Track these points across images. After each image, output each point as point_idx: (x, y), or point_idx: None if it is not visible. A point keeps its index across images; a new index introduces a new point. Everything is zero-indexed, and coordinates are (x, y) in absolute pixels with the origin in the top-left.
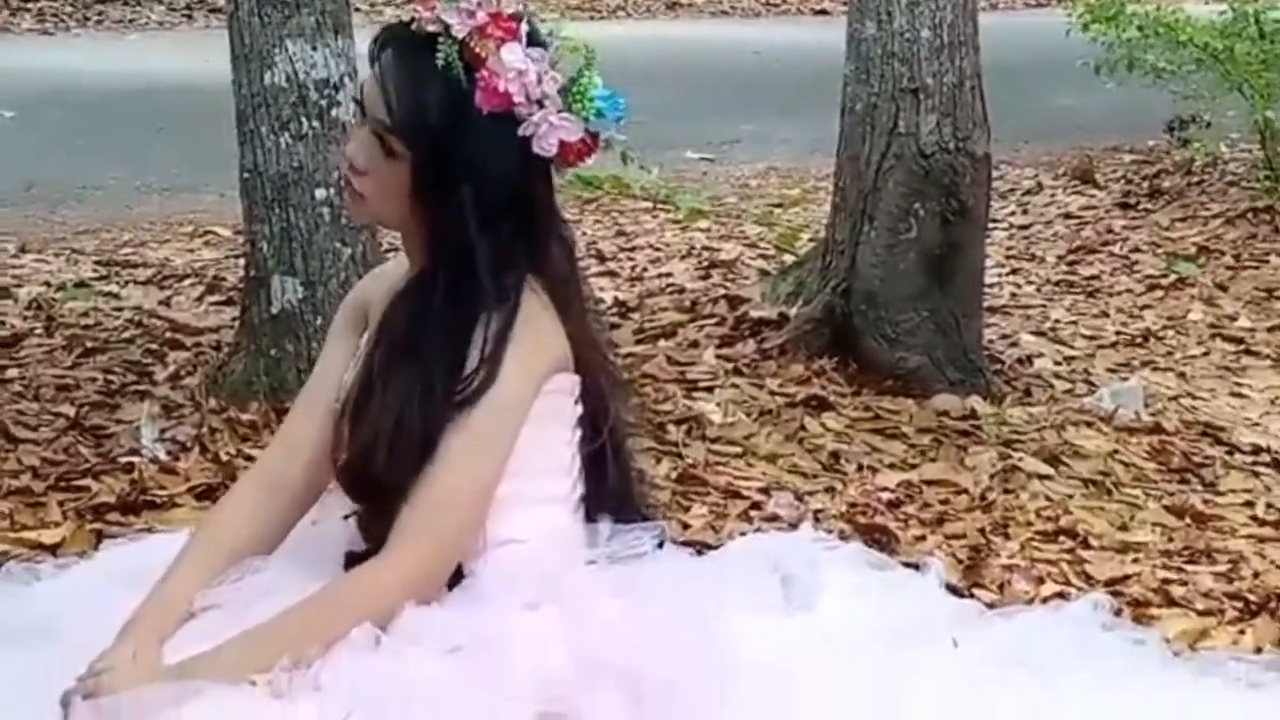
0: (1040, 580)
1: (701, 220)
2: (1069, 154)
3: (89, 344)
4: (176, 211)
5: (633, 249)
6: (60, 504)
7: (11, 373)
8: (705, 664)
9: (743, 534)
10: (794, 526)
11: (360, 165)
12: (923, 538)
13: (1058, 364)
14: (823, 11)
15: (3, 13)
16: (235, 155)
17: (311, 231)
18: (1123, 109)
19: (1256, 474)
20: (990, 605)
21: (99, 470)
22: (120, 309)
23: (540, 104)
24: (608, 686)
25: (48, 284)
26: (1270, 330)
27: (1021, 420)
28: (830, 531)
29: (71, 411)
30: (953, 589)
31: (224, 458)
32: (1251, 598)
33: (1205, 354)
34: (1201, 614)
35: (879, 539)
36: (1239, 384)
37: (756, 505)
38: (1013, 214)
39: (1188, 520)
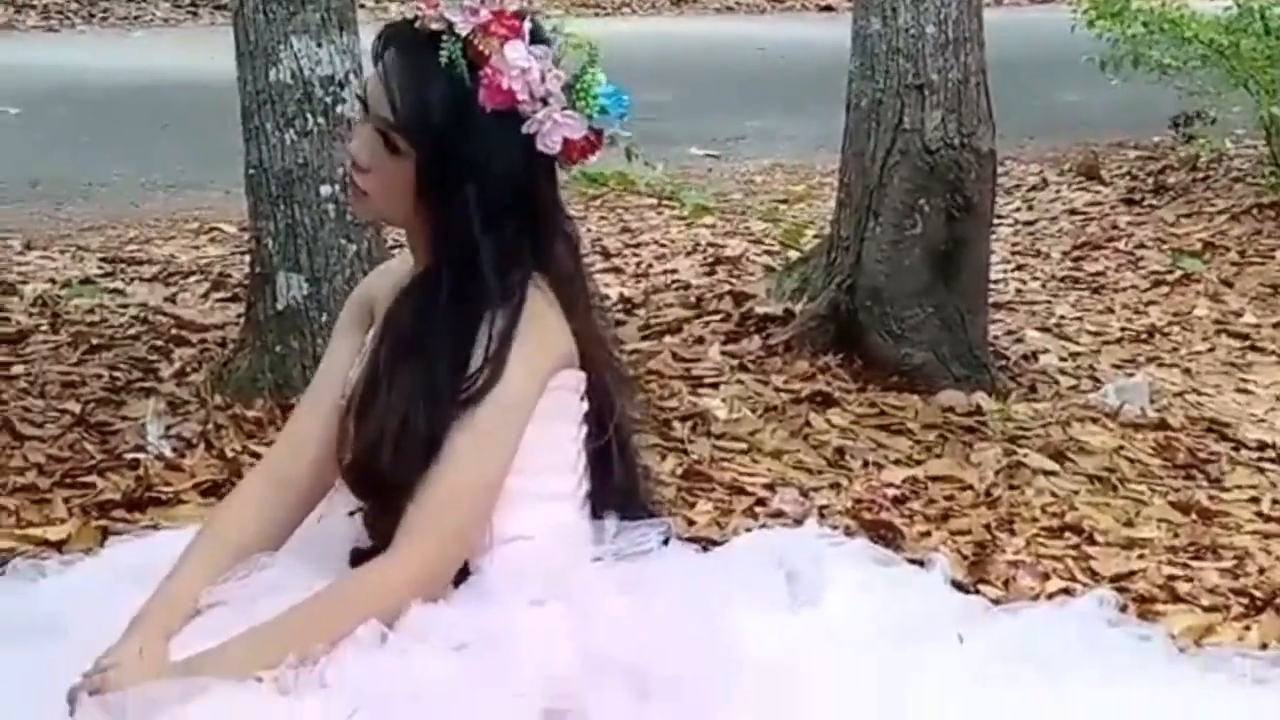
0: (1045, 576)
1: (706, 216)
2: (1074, 150)
3: (94, 341)
4: (182, 208)
5: (638, 245)
6: (66, 501)
7: (17, 369)
8: (711, 660)
9: (748, 530)
10: (799, 523)
11: (364, 163)
12: (928, 534)
13: (1063, 360)
14: (828, 7)
15: (8, 9)
16: (240, 152)
17: (317, 228)
18: (1128, 105)
19: (1262, 470)
20: (995, 601)
21: (104, 467)
22: (126, 306)
23: (544, 101)
24: (613, 683)
25: (53, 281)
26: (1276, 326)
27: (1027, 416)
28: (835, 527)
29: (77, 408)
30: (958, 585)
31: (229, 454)
32: (1257, 594)
33: (1210, 350)
34: (1207, 610)
35: (884, 535)
36: (1244, 380)
37: (762, 501)
38: (1018, 210)
39: (1193, 516)
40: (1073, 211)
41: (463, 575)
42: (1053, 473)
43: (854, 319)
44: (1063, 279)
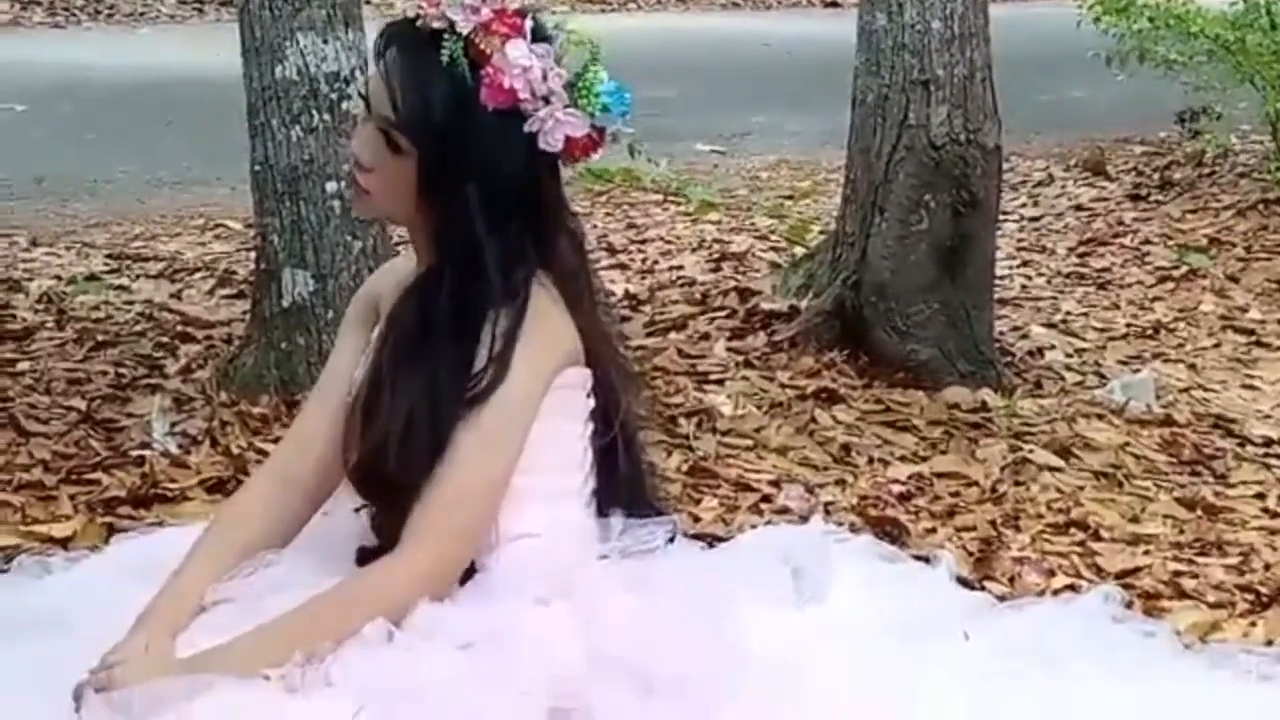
0: (1051, 573)
1: (712, 213)
2: (1080, 146)
3: (100, 337)
4: (187, 205)
5: (643, 242)
6: (71, 497)
7: (23, 366)
8: (716, 657)
9: (753, 527)
10: (805, 519)
11: (366, 162)
12: (933, 530)
13: (1068, 356)
14: (834, 4)
15: (14, 6)
16: (246, 148)
17: (322, 224)
18: (1134, 101)
19: (1268, 466)
20: (1001, 598)
21: (110, 464)
22: (131, 302)
23: (546, 100)
24: (618, 681)
25: (59, 277)
26: None
27: (1032, 412)
28: (841, 524)
29: (82, 405)
30: (963, 581)
31: (235, 451)
32: (1263, 590)
33: (1216, 346)
34: (1212, 606)
35: (890, 531)
36: (1250, 376)
37: (767, 498)
38: (1023, 206)
39: (1199, 512)
40: (1078, 207)
41: (469, 573)
42: (1058, 469)
43: (859, 315)
44: (1068, 275)
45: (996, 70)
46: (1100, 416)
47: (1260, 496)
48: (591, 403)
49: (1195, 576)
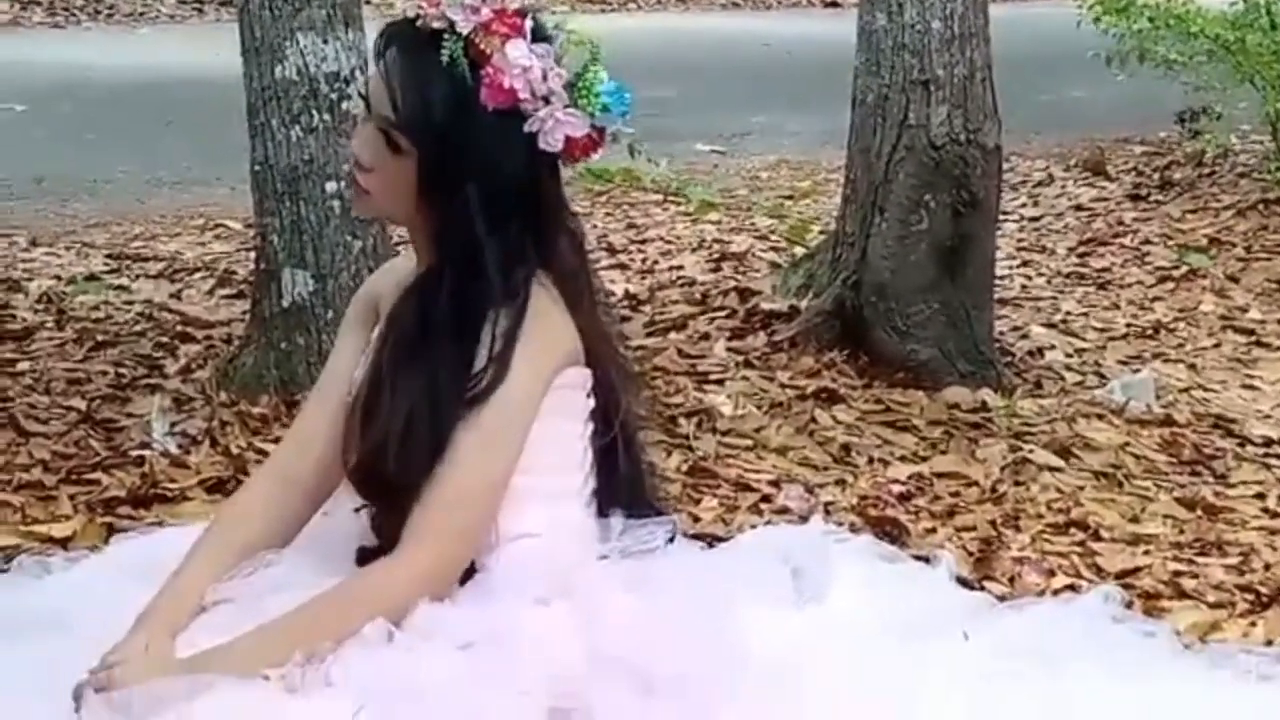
0: (1051, 572)
1: (712, 213)
2: (1080, 146)
3: (100, 337)
4: (187, 205)
5: (643, 241)
6: (71, 497)
7: (22, 366)
8: (715, 657)
9: (753, 527)
10: (804, 519)
11: (366, 162)
12: (933, 530)
13: (1068, 356)
14: (833, 4)
15: (14, 6)
16: (246, 148)
17: (322, 224)
18: (1134, 101)
19: (1268, 466)
20: (1001, 598)
21: (110, 464)
22: (131, 302)
23: (546, 100)
24: (618, 681)
25: (58, 277)
26: None
27: (1032, 412)
28: (841, 524)
29: (82, 405)
30: (963, 581)
31: (235, 451)
32: (1263, 590)
33: (1216, 346)
34: (1212, 606)
35: (890, 531)
36: (1250, 376)
37: (767, 498)
38: (1023, 206)
39: (1199, 512)
40: (1078, 207)
41: (469, 573)
42: (1058, 469)
43: (859, 315)
44: (1068, 275)
45: (996, 70)
46: (1100, 416)
47: (1260, 496)
48: (592, 403)
49: (1195, 576)
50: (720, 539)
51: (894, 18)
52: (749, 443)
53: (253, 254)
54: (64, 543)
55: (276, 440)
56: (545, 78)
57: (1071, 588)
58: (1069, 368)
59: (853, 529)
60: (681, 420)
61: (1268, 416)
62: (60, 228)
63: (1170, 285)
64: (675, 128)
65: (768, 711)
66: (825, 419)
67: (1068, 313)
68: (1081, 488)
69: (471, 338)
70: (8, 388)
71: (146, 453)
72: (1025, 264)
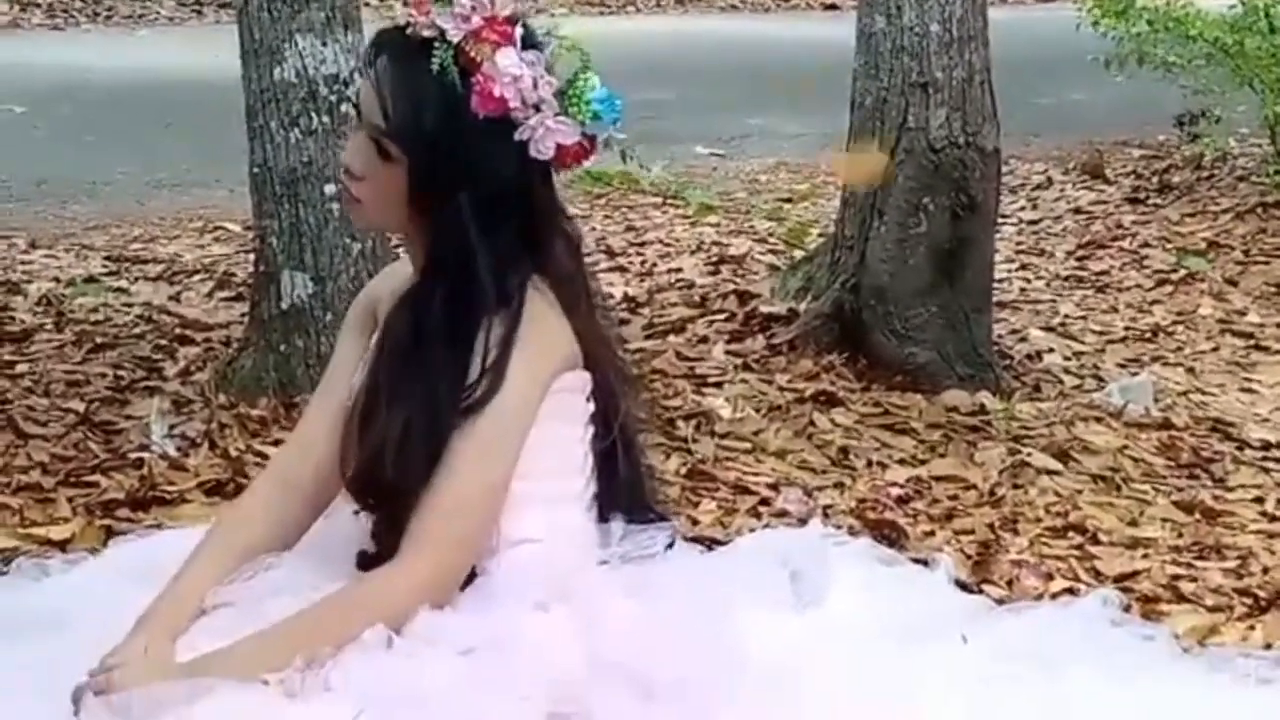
0: (1049, 576)
1: (711, 215)
2: (1079, 149)
3: (99, 340)
4: (186, 207)
5: (642, 244)
6: (70, 500)
7: (21, 368)
8: (715, 661)
9: (752, 530)
10: (803, 522)
11: (357, 170)
12: (932, 533)
13: (1067, 359)
14: (832, 6)
15: (13, 8)
16: (245, 151)
17: (321, 227)
18: (1132, 104)
19: (1266, 470)
20: (999, 601)
21: (108, 466)
22: (130, 304)
23: (536, 108)
24: (618, 686)
25: (58, 280)
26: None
27: (1031, 416)
28: (839, 527)
29: (81, 407)
30: (962, 585)
31: (234, 453)
32: (1261, 593)
33: (1215, 349)
34: (1211, 610)
35: (888, 535)
36: (1248, 379)
37: (766, 501)
38: (1022, 209)
39: (1197, 516)
40: (1077, 210)
41: (470, 578)
42: (1057, 472)
43: (858, 318)
44: (1067, 278)
45: (995, 73)
46: (1099, 420)
47: (1258, 500)
48: (591, 406)
49: (1193, 580)
50: (719, 542)
51: (893, 20)
52: (747, 446)
53: (252, 256)
54: (62, 545)
55: (275, 443)
56: (536, 86)
57: (1070, 591)
58: (1067, 371)
59: (851, 532)
60: (680, 423)
61: (1266, 420)
62: (59, 230)
63: (1169, 288)
64: (674, 130)
65: (766, 714)
66: (824, 422)
67: (1066, 316)
68: (1080, 491)
69: (466, 345)
70: (6, 390)
71: (145, 455)
72: (1024, 267)
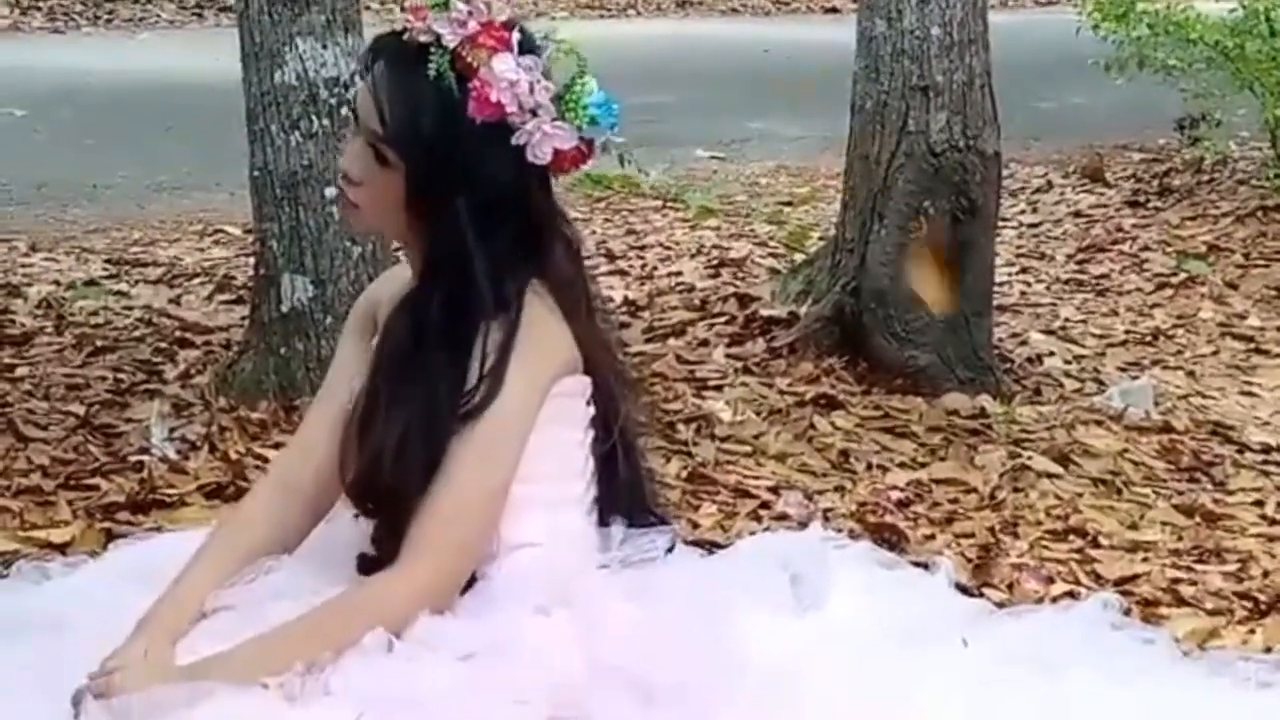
0: (1050, 579)
1: (711, 219)
2: (1079, 152)
3: (99, 343)
4: (187, 210)
5: (642, 248)
6: (70, 503)
7: (21, 371)
8: (715, 665)
9: (752, 533)
10: (803, 525)
11: (355, 176)
12: (932, 537)
13: (1067, 363)
14: (833, 9)
15: (13, 11)
16: (245, 154)
17: (321, 230)
18: (1133, 107)
19: (1266, 473)
20: (1000, 604)
21: (108, 469)
22: (130, 308)
23: (533, 113)
24: (618, 690)
25: (58, 283)
26: None
27: (1031, 419)
28: (840, 530)
29: (81, 410)
30: (962, 588)
31: (234, 456)
32: (1261, 597)
33: (1215, 353)
34: (1211, 613)
35: (888, 538)
36: (1249, 383)
37: (766, 504)
38: (1022, 212)
39: (1197, 519)
40: (1077, 214)
41: (470, 582)
42: (1057, 476)
43: (858, 321)
44: (1067, 282)
45: (996, 76)
46: (1099, 423)
47: (1259, 504)
48: (591, 410)
49: (1194, 584)
50: (719, 545)
51: (893, 24)
52: (748, 449)
53: (252, 259)
54: (63, 548)
55: (276, 446)
56: (532, 91)
57: (1070, 594)
58: (1068, 374)
59: (851, 535)
60: (680, 426)
61: (1266, 423)
62: (60, 233)
63: (1169, 292)
64: (674, 133)
65: (766, 718)
66: (824, 425)
67: (1066, 319)
68: (1080, 494)
69: (464, 350)
70: (7, 393)
71: (145, 458)
72: (1024, 271)
